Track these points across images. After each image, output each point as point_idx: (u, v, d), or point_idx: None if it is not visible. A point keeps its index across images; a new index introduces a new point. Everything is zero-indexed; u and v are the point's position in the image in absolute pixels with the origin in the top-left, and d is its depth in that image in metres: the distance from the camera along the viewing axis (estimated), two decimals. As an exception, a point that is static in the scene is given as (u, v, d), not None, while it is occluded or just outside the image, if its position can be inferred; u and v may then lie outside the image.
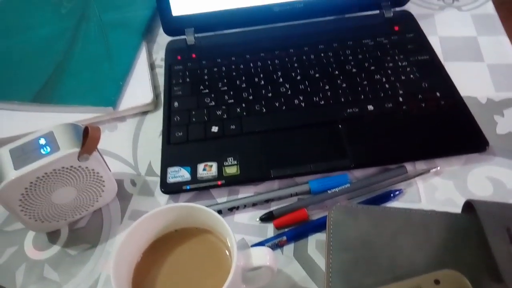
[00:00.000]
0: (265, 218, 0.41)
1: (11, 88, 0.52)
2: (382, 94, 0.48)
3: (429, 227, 0.35)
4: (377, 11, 0.57)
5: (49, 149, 0.36)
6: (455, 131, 0.44)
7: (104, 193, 0.42)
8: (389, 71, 0.50)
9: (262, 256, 0.31)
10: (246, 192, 0.43)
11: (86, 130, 0.36)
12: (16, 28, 0.60)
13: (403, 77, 0.49)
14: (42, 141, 0.37)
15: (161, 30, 0.62)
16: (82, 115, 0.50)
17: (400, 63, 0.51)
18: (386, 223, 0.35)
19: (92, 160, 0.38)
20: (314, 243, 0.39)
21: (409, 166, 0.43)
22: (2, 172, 0.35)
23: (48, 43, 0.58)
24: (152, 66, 0.57)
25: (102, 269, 0.39)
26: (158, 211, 0.32)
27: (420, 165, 0.43)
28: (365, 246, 0.34)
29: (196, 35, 0.56)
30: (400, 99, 0.47)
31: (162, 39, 0.60)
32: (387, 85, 0.48)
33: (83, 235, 0.41)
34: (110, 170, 0.41)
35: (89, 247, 0.40)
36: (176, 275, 0.32)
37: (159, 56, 0.59)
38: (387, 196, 0.41)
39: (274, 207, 0.42)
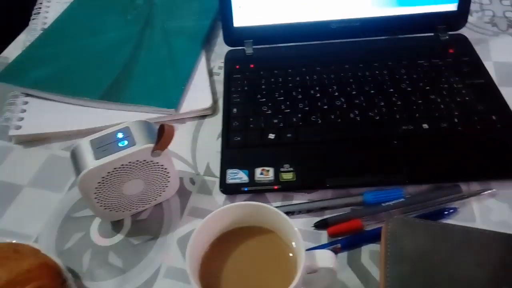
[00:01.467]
0: (320, 225, 0.42)
1: (82, 86, 0.56)
2: (437, 114, 0.49)
3: (488, 246, 0.35)
4: (432, 34, 0.58)
5: (126, 143, 0.39)
6: (510, 154, 0.45)
7: (167, 188, 0.44)
8: (444, 92, 0.51)
9: (327, 258, 0.32)
10: (299, 199, 0.45)
11: (161, 128, 0.39)
12: (86, 31, 0.64)
13: (458, 99, 0.50)
14: (120, 135, 0.40)
15: (218, 40, 0.65)
16: (145, 115, 0.53)
17: (455, 85, 0.52)
18: (444, 239, 0.36)
19: (162, 156, 0.41)
20: (368, 253, 0.40)
21: (463, 186, 0.44)
22: (83, 161, 0.38)
23: (115, 47, 0.62)
24: (210, 73, 0.60)
25: (163, 260, 0.41)
26: (228, 207, 0.34)
27: (475, 186, 0.44)
28: (423, 259, 0.35)
29: (254, 46, 0.59)
30: (456, 120, 0.48)
31: (220, 49, 0.63)
32: (442, 106, 0.49)
33: (144, 226, 0.44)
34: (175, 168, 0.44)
35: (150, 238, 0.43)
36: (240, 269, 0.34)
37: (217, 64, 0.62)
38: (441, 214, 0.42)
39: (327, 215, 0.43)
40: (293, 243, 0.34)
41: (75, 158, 0.39)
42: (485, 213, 0.42)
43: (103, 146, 0.39)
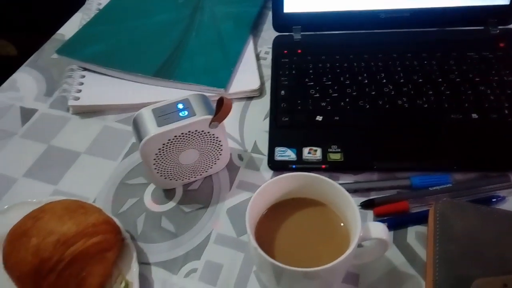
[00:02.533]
0: (366, 205, 0.43)
1: (136, 62, 0.58)
2: (486, 105, 0.49)
3: (539, 231, 0.36)
4: (482, 27, 0.58)
5: (186, 113, 0.41)
6: (562, 148, 0.44)
7: (218, 161, 0.46)
8: (494, 84, 0.51)
9: (380, 230, 0.33)
10: (345, 180, 0.46)
11: (221, 101, 0.41)
12: (140, 12, 0.67)
13: (508, 91, 0.50)
14: (180, 106, 0.42)
15: (265, 27, 0.67)
16: (195, 93, 0.55)
17: (505, 78, 0.52)
18: (493, 221, 0.37)
19: (219, 128, 0.42)
20: (414, 234, 0.41)
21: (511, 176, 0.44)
22: (146, 128, 0.40)
23: (167, 28, 0.64)
24: (257, 58, 0.61)
25: (213, 227, 0.43)
26: (286, 176, 0.36)
27: (523, 176, 0.44)
28: (472, 240, 0.36)
29: (302, 33, 0.60)
30: (506, 111, 0.48)
31: (266, 35, 0.65)
32: (492, 97, 0.50)
33: (195, 196, 0.46)
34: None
35: (201, 207, 0.45)
36: (292, 235, 0.35)
37: (263, 49, 0.63)
38: (488, 201, 0.42)
39: (372, 196, 0.44)
40: (347, 214, 0.35)
41: (137, 125, 0.42)
42: (534, 203, 0.42)
43: (165, 115, 0.41)
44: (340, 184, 0.44)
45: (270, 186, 0.36)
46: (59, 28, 0.70)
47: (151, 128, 0.40)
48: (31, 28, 1.50)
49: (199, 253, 0.41)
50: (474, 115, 0.48)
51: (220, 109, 0.40)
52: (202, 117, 0.41)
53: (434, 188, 0.43)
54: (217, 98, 0.41)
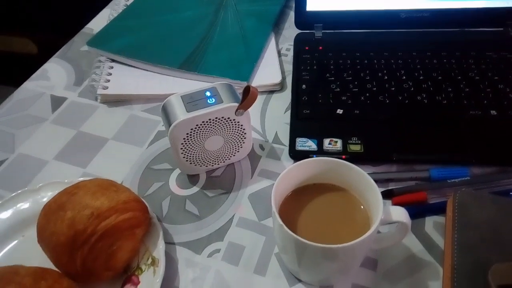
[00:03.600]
0: (385, 195, 0.44)
1: (163, 55, 0.60)
2: (505, 102, 0.50)
3: (558, 221, 0.36)
4: (502, 28, 0.59)
5: (214, 100, 0.43)
6: None
7: (241, 149, 0.47)
8: (513, 83, 0.52)
9: (401, 214, 0.34)
10: (365, 170, 0.47)
11: (247, 89, 0.42)
12: (166, 8, 0.69)
13: (527, 90, 0.51)
14: (208, 93, 0.44)
15: (287, 25, 0.69)
16: (222, 82, 0.57)
17: (524, 77, 0.52)
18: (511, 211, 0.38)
19: (244, 116, 0.44)
20: (432, 223, 0.42)
21: (529, 171, 0.45)
22: (175, 113, 0.42)
23: (192, 23, 0.66)
24: (279, 54, 0.63)
25: (235, 211, 0.44)
26: (309, 160, 0.37)
27: (541, 172, 0.45)
28: (491, 228, 0.37)
29: (323, 31, 0.62)
30: (524, 109, 0.49)
31: (288, 33, 0.67)
32: (511, 95, 0.50)
33: (218, 182, 0.47)
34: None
35: (223, 193, 0.46)
36: (315, 215, 0.37)
37: (285, 46, 0.65)
38: (506, 194, 0.43)
39: (391, 187, 0.45)
40: (368, 198, 0.36)
41: (166, 111, 0.44)
42: (552, 197, 0.43)
43: (193, 101, 0.43)
44: (360, 173, 0.46)
45: (294, 170, 0.37)
46: (82, 27, 0.72)
47: (180, 113, 0.42)
48: (53, 27, 1.55)
49: (222, 235, 0.43)
50: (493, 112, 0.49)
51: (246, 97, 0.42)
52: (229, 104, 0.42)
53: (453, 180, 0.44)
54: (241, 90, 0.43)
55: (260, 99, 0.57)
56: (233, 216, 0.44)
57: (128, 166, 0.50)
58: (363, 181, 0.36)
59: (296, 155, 0.48)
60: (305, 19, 0.61)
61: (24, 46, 1.78)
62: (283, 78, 0.59)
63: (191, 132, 0.43)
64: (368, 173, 0.46)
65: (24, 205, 0.44)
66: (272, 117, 0.55)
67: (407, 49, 0.58)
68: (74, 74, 0.63)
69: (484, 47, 0.57)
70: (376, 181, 0.45)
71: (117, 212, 0.37)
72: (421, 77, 0.54)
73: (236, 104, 0.43)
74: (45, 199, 0.44)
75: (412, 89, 0.53)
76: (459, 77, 0.53)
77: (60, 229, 0.36)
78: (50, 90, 0.60)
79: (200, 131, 0.43)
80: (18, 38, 1.74)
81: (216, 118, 0.43)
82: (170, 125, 0.42)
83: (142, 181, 0.48)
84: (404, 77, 0.54)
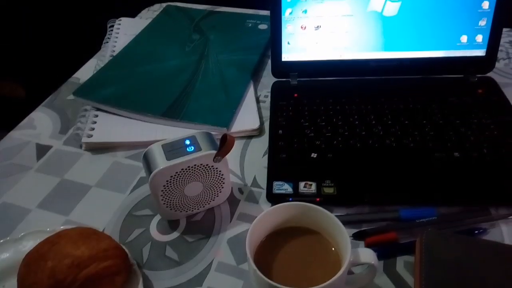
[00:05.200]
0: (358, 236, 0.46)
1: (146, 104, 0.63)
2: (467, 145, 0.53)
3: (517, 259, 0.38)
4: (462, 75, 0.64)
5: (193, 148, 0.45)
6: (537, 184, 0.48)
7: (220, 194, 0.49)
8: (474, 126, 0.56)
9: (369, 256, 0.36)
10: (339, 212, 0.49)
11: (224, 137, 0.45)
12: (150, 59, 0.73)
13: (487, 133, 0.55)
14: (188, 142, 0.46)
15: (265, 73, 0.73)
16: (201, 131, 0.60)
17: (484, 121, 0.56)
18: (476, 251, 0.40)
19: (222, 163, 0.46)
20: (403, 263, 0.44)
21: (492, 210, 0.47)
22: (156, 161, 0.44)
23: (175, 73, 0.70)
24: (257, 100, 0.67)
25: (214, 256, 0.46)
26: (282, 205, 0.39)
27: (503, 210, 0.47)
28: (456, 267, 0.39)
29: (299, 79, 0.66)
30: (485, 150, 0.52)
31: (266, 80, 0.71)
32: (472, 138, 0.54)
33: (198, 227, 0.49)
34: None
35: (203, 237, 0.48)
36: (288, 260, 0.38)
37: (263, 93, 0.69)
38: (471, 233, 0.45)
39: (364, 227, 0.47)
40: (339, 241, 0.38)
41: (147, 159, 0.46)
42: (514, 235, 0.45)
43: (173, 150, 0.45)
44: (336, 216, 0.48)
45: (268, 215, 0.39)
46: (71, 72, 0.75)
47: (161, 161, 0.44)
48: (42, 74, 1.58)
49: (201, 280, 0.44)
50: (456, 154, 0.52)
51: (224, 145, 0.45)
52: (207, 152, 0.45)
53: (421, 220, 0.46)
54: (220, 136, 0.45)
55: (239, 144, 0.60)
56: (212, 260, 0.45)
57: (110, 212, 0.51)
58: (332, 224, 0.38)
59: (273, 198, 0.50)
60: (281, 69, 0.66)
61: (13, 91, 1.80)
62: (262, 123, 0.62)
63: (171, 179, 0.45)
64: (341, 215, 0.48)
65: (5, 255, 0.44)
66: (251, 161, 0.57)
67: (377, 95, 0.62)
68: (60, 123, 0.65)
69: (446, 93, 0.62)
70: (349, 222, 0.48)
71: (98, 260, 0.38)
72: (389, 122, 0.58)
73: (214, 152, 0.45)
74: (27, 249, 0.44)
75: (381, 133, 0.56)
76: (424, 121, 0.57)
77: (40, 279, 0.36)
78: (35, 139, 0.62)
79: (179, 178, 0.45)
80: (7, 83, 1.77)
81: (195, 165, 0.45)
82: (150, 173, 0.44)
83: (123, 227, 0.49)
84: (374, 122, 0.58)
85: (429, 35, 0.62)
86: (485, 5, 0.59)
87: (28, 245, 0.45)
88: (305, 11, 0.61)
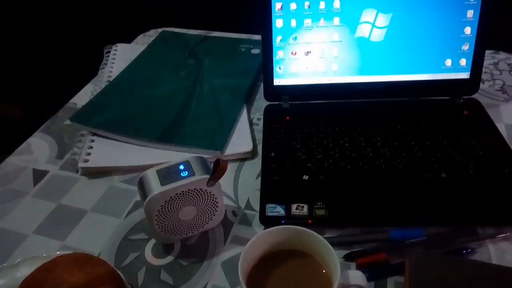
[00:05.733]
0: (349, 257, 0.47)
1: (141, 128, 0.65)
2: (454, 166, 0.55)
3: (503, 278, 0.39)
4: (448, 97, 0.66)
5: (187, 173, 0.46)
6: (522, 203, 0.50)
7: (214, 217, 0.50)
8: (460, 147, 0.57)
9: (359, 278, 0.37)
10: (331, 233, 0.50)
11: (217, 162, 0.46)
12: (145, 84, 0.75)
13: (473, 153, 0.56)
14: (182, 167, 0.47)
15: (258, 96, 0.75)
16: (195, 155, 0.61)
17: (470, 142, 0.58)
18: (462, 270, 0.41)
19: (215, 187, 0.48)
20: (393, 283, 0.45)
21: (479, 229, 0.48)
22: (151, 186, 0.46)
23: (170, 97, 0.72)
24: (250, 123, 0.68)
25: (209, 279, 0.46)
26: (274, 229, 0.40)
27: (490, 230, 0.49)
28: (443, 287, 0.40)
29: (290, 102, 0.68)
30: (471, 171, 0.54)
31: (259, 104, 0.73)
32: (458, 158, 0.56)
33: (192, 250, 0.50)
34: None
35: (197, 261, 0.48)
36: (281, 283, 0.39)
37: (256, 116, 0.70)
38: (459, 253, 0.46)
39: (355, 248, 0.48)
40: (329, 263, 0.39)
41: (143, 184, 0.47)
42: (500, 254, 0.46)
43: (167, 175, 0.46)
44: (325, 237, 0.49)
45: (260, 239, 0.40)
46: (67, 96, 0.77)
47: (155, 186, 0.45)
48: (39, 98, 1.61)
49: (195, 304, 0.44)
50: (444, 174, 0.54)
51: (217, 170, 0.46)
52: (200, 177, 0.46)
53: (410, 241, 0.47)
54: (214, 159, 0.47)
55: (233, 166, 0.61)
56: (207, 284, 0.46)
57: (106, 237, 0.52)
58: (323, 247, 0.39)
59: (266, 221, 0.51)
60: (273, 92, 0.68)
61: (9, 112, 1.82)
62: (255, 146, 0.64)
63: (165, 204, 0.46)
64: (333, 236, 0.49)
65: (1, 282, 0.45)
66: (244, 184, 0.58)
67: (366, 117, 0.64)
68: (57, 148, 0.66)
69: (433, 114, 0.64)
70: (340, 243, 0.49)
71: (93, 286, 0.39)
72: (379, 143, 0.59)
73: (208, 176, 0.46)
74: (23, 275, 0.45)
75: (371, 155, 0.57)
76: (412, 143, 0.59)
77: (36, 306, 0.37)
78: (32, 164, 0.63)
79: (174, 203, 0.46)
80: (2, 104, 1.79)
81: (189, 190, 0.46)
82: (145, 198, 0.45)
83: (119, 252, 0.50)
84: (363, 144, 0.59)
85: (415, 59, 0.64)
86: (467, 30, 0.62)
87: (25, 271, 0.45)
88: (295, 38, 0.63)
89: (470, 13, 0.61)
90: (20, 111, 1.76)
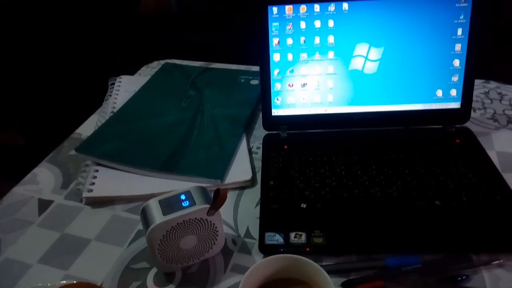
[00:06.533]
0: (346, 285, 0.48)
1: (144, 158, 0.67)
2: (447, 193, 0.56)
3: (495, 305, 0.40)
4: (440, 126, 0.69)
5: (188, 203, 0.48)
6: (515, 230, 0.51)
7: (214, 246, 0.52)
8: (453, 175, 0.59)
9: (354, 305, 0.38)
10: (328, 261, 0.51)
11: (217, 191, 0.48)
12: (148, 114, 0.78)
13: (465, 181, 0.58)
14: (183, 197, 0.49)
15: (257, 125, 0.77)
16: (196, 184, 0.63)
17: (462, 170, 0.60)
18: (456, 297, 0.42)
19: (215, 216, 0.49)
20: (390, 311, 0.45)
21: (474, 256, 0.50)
22: (153, 216, 0.47)
23: (171, 127, 0.74)
24: (250, 152, 0.70)
25: (209, 308, 0.47)
26: (273, 258, 0.42)
27: (484, 257, 0.50)
28: (438, 314, 0.41)
29: (288, 131, 0.70)
30: (464, 198, 0.55)
31: (258, 132, 0.75)
32: (451, 186, 0.57)
33: (193, 279, 0.51)
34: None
35: (198, 289, 0.49)
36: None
37: (255, 145, 0.73)
38: (454, 280, 0.47)
39: (352, 276, 0.49)
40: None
41: (145, 214, 0.48)
42: (495, 281, 0.47)
43: (169, 205, 0.48)
44: (322, 265, 0.50)
45: (259, 268, 0.41)
46: (73, 126, 0.80)
47: (157, 216, 0.47)
48: (44, 128, 1.64)
49: (196, 332, 0.45)
50: (437, 202, 0.55)
51: (217, 199, 0.48)
52: (201, 206, 0.48)
53: (406, 268, 0.48)
54: (215, 188, 0.48)
55: (233, 195, 0.63)
56: (207, 312, 0.47)
57: (109, 266, 0.53)
58: (320, 275, 0.40)
59: (265, 249, 0.52)
60: (271, 123, 0.70)
61: (13, 139, 1.85)
62: (254, 174, 0.65)
63: (167, 233, 0.47)
64: (331, 264, 0.50)
65: (6, 311, 0.46)
66: (244, 212, 0.60)
67: (361, 146, 0.66)
68: (62, 178, 0.68)
69: (427, 143, 0.66)
70: (337, 271, 0.50)
71: (96, 315, 0.40)
72: (374, 172, 0.61)
73: (208, 206, 0.48)
74: (27, 304, 0.46)
75: (367, 183, 0.59)
76: (407, 171, 0.61)
77: (40, 336, 0.38)
78: (38, 194, 0.65)
79: (175, 232, 0.48)
80: (7, 133, 1.82)
81: (190, 219, 0.48)
82: (148, 228, 0.47)
83: (121, 281, 0.51)
84: (359, 172, 0.61)
85: (407, 90, 0.67)
86: (456, 63, 0.65)
87: (29, 301, 0.47)
88: (292, 71, 0.66)
89: (458, 47, 0.64)
90: (23, 139, 1.79)
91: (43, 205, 0.63)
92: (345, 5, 0.63)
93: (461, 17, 0.63)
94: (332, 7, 0.63)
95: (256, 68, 0.92)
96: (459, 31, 0.63)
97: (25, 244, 0.56)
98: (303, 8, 0.63)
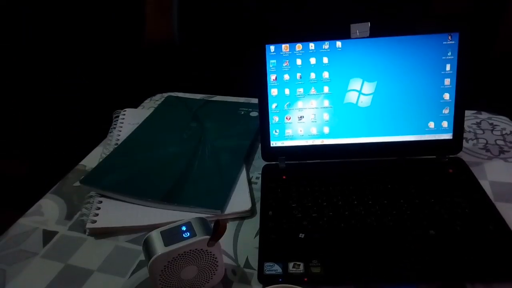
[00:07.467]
0: (344, 314, 0.49)
1: (147, 189, 0.69)
2: (441, 223, 0.58)
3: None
4: (434, 156, 0.71)
5: (189, 234, 0.50)
6: (509, 260, 0.52)
7: (214, 276, 0.53)
8: (447, 205, 0.61)
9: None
10: (326, 291, 0.52)
11: (217, 223, 0.50)
12: (151, 146, 0.81)
13: (459, 211, 0.60)
14: (184, 228, 0.51)
15: (256, 156, 0.80)
16: (196, 214, 0.64)
17: (455, 199, 0.62)
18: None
19: (215, 247, 0.51)
20: None
21: (468, 285, 0.51)
22: (155, 247, 0.49)
23: (173, 159, 0.76)
24: (249, 182, 0.72)
25: None
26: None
27: (479, 286, 0.51)
28: None
29: (286, 162, 0.72)
30: (458, 228, 0.57)
31: (257, 163, 0.77)
32: (445, 216, 0.59)
33: (194, 309, 0.52)
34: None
35: (198, 320, 0.50)
36: None
37: (255, 175, 0.75)
38: (450, 309, 0.48)
39: (350, 306, 0.50)
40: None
41: (147, 245, 0.50)
42: (490, 310, 0.48)
43: (171, 236, 0.50)
44: (320, 295, 0.51)
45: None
46: (78, 157, 0.82)
47: (159, 247, 0.48)
48: (48, 158, 1.66)
49: None
50: (432, 232, 0.57)
51: (217, 230, 0.49)
52: (201, 238, 0.49)
53: (402, 298, 0.49)
54: (215, 218, 0.50)
55: (232, 225, 0.64)
56: None
57: (111, 297, 0.54)
58: (316, 305, 0.42)
59: (264, 279, 0.53)
60: (270, 153, 0.72)
61: (15, 168, 1.87)
62: (253, 204, 0.67)
63: (168, 264, 0.48)
64: (328, 294, 0.51)
65: None
66: (243, 242, 0.61)
67: (358, 176, 0.68)
68: (66, 209, 0.69)
69: (421, 173, 0.68)
70: (336, 301, 0.51)
71: None
72: (370, 202, 0.63)
73: (208, 237, 0.50)
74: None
75: (363, 213, 0.61)
76: (402, 201, 0.62)
77: None
78: (42, 225, 0.66)
79: (176, 263, 0.49)
80: (9, 160, 1.84)
81: (190, 250, 0.49)
82: (150, 258, 0.48)
83: (123, 311, 0.52)
84: (355, 202, 0.63)
85: (400, 122, 0.70)
86: (446, 96, 0.68)
87: (32, 332, 0.47)
88: (289, 105, 0.69)
89: (447, 81, 0.67)
90: (26, 168, 1.81)
91: (48, 236, 0.64)
92: (339, 43, 0.67)
93: (448, 54, 0.66)
94: (326, 45, 0.67)
95: (255, 101, 0.95)
96: (448, 67, 0.67)
97: (29, 276, 0.58)
98: (298, 46, 0.67)
